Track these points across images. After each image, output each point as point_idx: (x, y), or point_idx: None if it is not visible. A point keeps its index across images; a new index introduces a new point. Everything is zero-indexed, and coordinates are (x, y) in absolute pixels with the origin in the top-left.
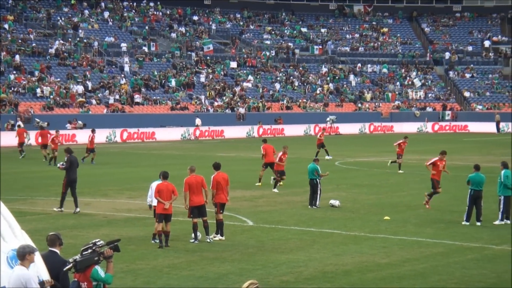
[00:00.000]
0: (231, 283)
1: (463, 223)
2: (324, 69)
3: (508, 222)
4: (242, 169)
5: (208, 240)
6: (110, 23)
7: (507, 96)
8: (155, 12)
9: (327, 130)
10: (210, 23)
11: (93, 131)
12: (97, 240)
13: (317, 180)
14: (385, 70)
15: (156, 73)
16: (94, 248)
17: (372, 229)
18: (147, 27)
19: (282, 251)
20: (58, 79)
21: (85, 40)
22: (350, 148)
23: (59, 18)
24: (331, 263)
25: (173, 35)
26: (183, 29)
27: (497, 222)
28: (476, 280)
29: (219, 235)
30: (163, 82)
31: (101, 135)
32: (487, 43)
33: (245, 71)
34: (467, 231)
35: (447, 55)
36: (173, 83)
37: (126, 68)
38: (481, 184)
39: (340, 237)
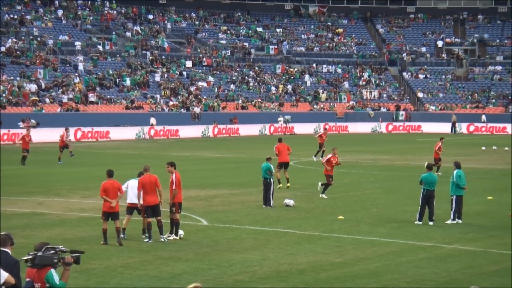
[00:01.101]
0: (185, 283)
1: (415, 222)
2: (279, 69)
3: (460, 221)
4: (197, 168)
5: (163, 240)
6: (64, 21)
7: (459, 97)
8: (109, 11)
9: (282, 129)
10: (166, 22)
11: (66, 130)
12: (61, 246)
13: (271, 179)
14: (339, 70)
15: (110, 72)
16: (57, 250)
17: (326, 229)
18: (101, 26)
19: (237, 250)
20: (11, 78)
21: (38, 39)
22: (305, 148)
23: (12, 16)
24: (285, 263)
25: (128, 34)
26: (138, 28)
27: (449, 222)
28: (428, 279)
29: (173, 234)
30: (117, 81)
31: (55, 134)
32: (440, 43)
33: (200, 71)
34: (419, 230)
35: (401, 56)
36: (128, 82)
37: (80, 67)
38: (434, 184)
39: (294, 236)
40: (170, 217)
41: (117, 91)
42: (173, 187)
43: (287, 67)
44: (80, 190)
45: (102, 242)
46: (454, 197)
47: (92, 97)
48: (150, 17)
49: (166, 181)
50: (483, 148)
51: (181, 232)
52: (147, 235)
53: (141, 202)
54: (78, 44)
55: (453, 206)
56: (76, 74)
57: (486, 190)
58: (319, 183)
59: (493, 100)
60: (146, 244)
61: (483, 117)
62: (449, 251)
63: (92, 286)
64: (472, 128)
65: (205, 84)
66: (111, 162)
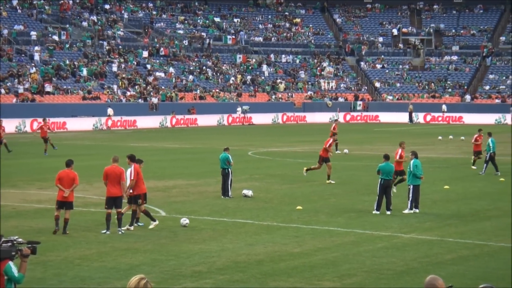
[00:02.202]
0: (143, 274)
1: (373, 212)
2: (239, 59)
3: (417, 211)
4: (155, 159)
5: (120, 232)
6: (19, 11)
7: (416, 86)
8: (66, 0)
9: (240, 120)
10: (122, 11)
11: (44, 120)
12: (17, 237)
13: (229, 169)
14: (297, 60)
15: (67, 62)
16: (14, 242)
17: (284, 219)
18: (57, 15)
19: (195, 241)
20: None
21: None
22: (263, 138)
23: None
24: (244, 253)
25: (85, 23)
26: (94, 18)
27: (406, 211)
28: (386, 268)
29: (135, 223)
30: (74, 71)
31: (11, 125)
32: (395, 31)
33: (158, 61)
34: (377, 220)
35: (358, 46)
36: (84, 72)
37: (36, 57)
38: (391, 173)
39: (252, 227)
40: (133, 209)
41: (73, 81)
42: (132, 178)
43: (245, 57)
44: (36, 181)
45: (55, 228)
46: (411, 186)
47: (48, 87)
48: (107, 6)
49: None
50: (440, 137)
51: (183, 220)
52: (141, 224)
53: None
54: (33, 34)
55: (410, 195)
56: (32, 64)
57: (442, 179)
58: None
59: (450, 90)
60: (104, 236)
61: (444, 107)
62: (406, 240)
63: (49, 278)
64: (429, 117)
65: (162, 74)
66: (68, 153)
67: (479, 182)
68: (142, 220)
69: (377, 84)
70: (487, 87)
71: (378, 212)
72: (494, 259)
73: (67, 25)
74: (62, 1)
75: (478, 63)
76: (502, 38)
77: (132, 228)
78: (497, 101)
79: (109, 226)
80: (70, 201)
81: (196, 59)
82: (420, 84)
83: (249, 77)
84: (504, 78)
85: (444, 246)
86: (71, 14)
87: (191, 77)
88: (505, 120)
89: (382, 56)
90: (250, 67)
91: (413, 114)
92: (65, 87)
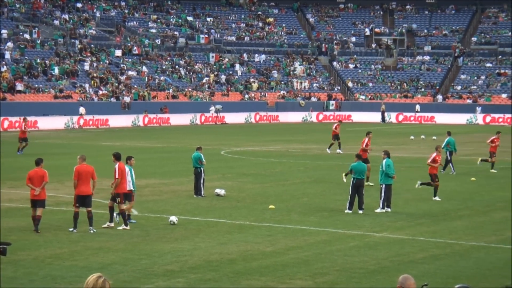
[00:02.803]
0: (115, 273)
1: (345, 211)
2: (212, 59)
3: (389, 210)
4: None
5: (91, 231)
6: None
7: (389, 86)
8: None
9: (213, 119)
10: (94, 10)
11: (24, 120)
12: None
13: (201, 168)
14: (270, 60)
15: (38, 60)
16: None
17: (257, 218)
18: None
19: (167, 240)
20: None
21: None
22: (236, 138)
23: None
24: (216, 252)
25: (56, 22)
26: (66, 16)
27: (378, 210)
28: (358, 267)
29: (123, 225)
30: (45, 70)
31: None
32: (367, 31)
33: (130, 60)
34: (349, 219)
35: (331, 46)
36: (56, 71)
37: (7, 55)
38: (363, 172)
39: (225, 226)
40: (109, 206)
41: (45, 80)
42: (116, 177)
43: (218, 57)
44: (8, 180)
45: (33, 229)
46: (383, 186)
47: (19, 86)
48: (79, 5)
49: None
50: (412, 137)
51: (173, 218)
52: (131, 221)
53: (74, 191)
54: (4, 32)
55: (382, 194)
56: (3, 62)
57: (414, 179)
58: (418, 182)
59: (422, 90)
60: (76, 235)
61: (417, 107)
62: (378, 239)
63: (19, 278)
64: (401, 117)
65: (135, 74)
66: (39, 152)
67: (450, 181)
68: (133, 217)
69: (350, 84)
70: (459, 87)
71: (350, 211)
72: (465, 258)
73: (39, 24)
74: (33, 0)
75: (450, 63)
76: (474, 39)
77: (128, 227)
78: (468, 101)
79: (77, 225)
80: (42, 199)
81: (168, 58)
82: (392, 84)
83: (223, 77)
84: (475, 78)
85: (416, 245)
86: (42, 12)
87: (163, 76)
88: (476, 120)
89: (355, 56)
90: (223, 66)
91: (386, 113)
92: (36, 85)
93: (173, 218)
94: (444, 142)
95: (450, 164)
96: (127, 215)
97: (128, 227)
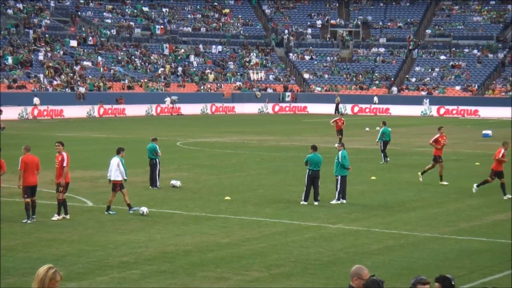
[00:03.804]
0: (69, 264)
1: (301, 202)
2: (167, 49)
3: (344, 201)
4: (82, 149)
5: (32, 220)
6: None
7: (344, 78)
8: None
9: (169, 110)
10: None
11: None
12: None
13: (157, 160)
14: (226, 51)
15: None
16: None
17: (212, 209)
18: None
19: (122, 232)
20: None
21: None
22: (192, 129)
23: None
24: (172, 244)
25: (10, 11)
26: (20, 6)
27: (333, 202)
28: (313, 258)
29: (63, 214)
30: None
31: None
32: (318, 23)
33: (85, 50)
34: (305, 210)
35: (287, 37)
36: (10, 61)
37: None
38: (319, 164)
39: (181, 217)
40: (57, 198)
41: None
42: (66, 166)
43: (173, 47)
44: None
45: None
46: (339, 177)
47: None
48: None
49: (48, 162)
50: (367, 129)
51: (144, 209)
52: (111, 212)
53: (20, 182)
54: None
55: (338, 186)
56: None
57: (369, 170)
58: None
59: (377, 82)
60: (29, 226)
61: (375, 99)
62: (334, 231)
63: None
64: (356, 109)
65: (90, 64)
66: None
67: (405, 173)
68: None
69: (306, 76)
70: (414, 79)
71: (306, 203)
72: (419, 249)
73: None
74: None
75: (405, 56)
76: (428, 31)
77: (62, 215)
78: (423, 93)
79: (29, 215)
80: None
81: (124, 49)
82: (348, 75)
83: (180, 68)
84: (429, 70)
85: (371, 236)
86: None
87: (118, 66)
88: (431, 112)
89: (311, 47)
90: (179, 57)
91: (341, 105)
92: None
93: (144, 209)
94: (379, 132)
95: (383, 154)
96: (128, 204)
97: (67, 216)
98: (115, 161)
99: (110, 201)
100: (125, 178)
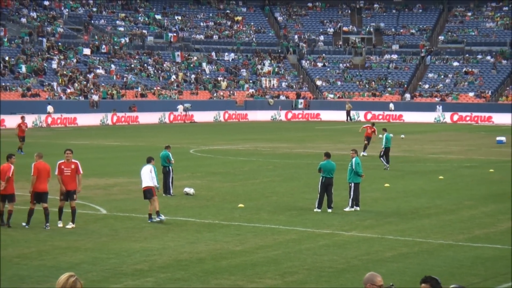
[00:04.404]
0: (83, 272)
1: (314, 210)
2: (179, 57)
3: (358, 208)
4: (95, 157)
5: (47, 228)
6: None
7: (357, 85)
8: None
9: (182, 118)
10: (62, 8)
11: (22, 118)
12: None
13: (170, 167)
14: (239, 58)
15: (6, 58)
16: None
17: (226, 217)
18: None
19: (136, 239)
20: None
21: None
22: (205, 136)
23: None
24: (186, 251)
25: (23, 20)
26: (33, 14)
27: (347, 209)
28: (327, 266)
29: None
30: (13, 68)
31: None
32: (331, 30)
33: (98, 58)
34: (318, 218)
35: (300, 44)
36: (23, 69)
37: None
38: (332, 171)
39: (194, 225)
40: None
41: (12, 78)
42: (81, 173)
43: (186, 55)
44: None
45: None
46: (352, 184)
47: None
48: (46, 3)
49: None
50: (380, 136)
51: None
52: (153, 220)
53: (32, 188)
54: None
55: (351, 193)
56: None
57: (383, 177)
58: None
59: (390, 89)
60: (44, 234)
61: (391, 105)
62: (347, 238)
63: None
64: (369, 116)
65: (103, 72)
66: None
67: (418, 180)
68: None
69: (318, 83)
70: (426, 86)
71: (319, 210)
72: (433, 256)
73: (5, 21)
74: None
75: (418, 62)
76: (441, 38)
77: (74, 225)
78: (436, 99)
79: (30, 221)
80: (10, 193)
81: (137, 57)
82: (360, 82)
83: (193, 76)
84: (442, 77)
85: (385, 243)
86: (9, 10)
87: (131, 74)
88: (444, 118)
89: (323, 54)
90: (191, 65)
91: (353, 112)
92: (3, 84)
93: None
94: (383, 139)
95: (382, 158)
96: (157, 212)
97: (74, 225)
98: (148, 168)
99: (150, 209)
100: (157, 185)
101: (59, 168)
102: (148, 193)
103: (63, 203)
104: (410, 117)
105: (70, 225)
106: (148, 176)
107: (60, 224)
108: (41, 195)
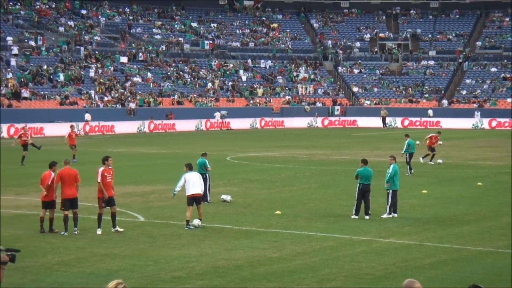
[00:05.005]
0: (122, 279)
1: (352, 216)
2: (215, 64)
3: (396, 215)
4: (133, 164)
5: (76, 232)
6: None
7: (394, 91)
8: (41, 5)
9: (218, 125)
10: (99, 17)
11: (72, 127)
12: None
13: (207, 174)
14: (275, 65)
15: (44, 67)
16: None
17: (263, 224)
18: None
19: (174, 246)
20: None
21: None
22: (242, 143)
23: None
24: (223, 258)
25: (61, 28)
26: (71, 23)
27: (384, 216)
28: (365, 273)
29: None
30: (51, 76)
31: None
32: (367, 36)
33: (135, 66)
34: (356, 224)
35: (336, 50)
36: (61, 77)
37: (13, 62)
38: (369, 178)
39: (231, 232)
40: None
41: (50, 86)
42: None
43: (222, 62)
44: (14, 187)
45: (41, 230)
46: (390, 191)
47: (25, 93)
48: (83, 12)
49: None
50: (417, 142)
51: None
52: (191, 227)
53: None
54: (9, 39)
55: (389, 200)
56: (9, 69)
57: (420, 184)
58: None
59: (427, 95)
60: (83, 241)
61: (430, 112)
62: (385, 245)
63: (27, 284)
64: (406, 122)
65: (140, 80)
66: (45, 159)
67: (456, 186)
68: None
69: (355, 89)
70: (464, 92)
71: (356, 217)
72: (472, 264)
73: (44, 30)
74: (38, 7)
75: (455, 68)
76: (478, 43)
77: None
78: (474, 105)
79: (67, 227)
80: (50, 200)
81: (173, 64)
82: (397, 89)
83: (230, 83)
84: (480, 83)
85: (423, 250)
86: (47, 19)
87: (168, 82)
88: (482, 125)
89: (359, 61)
90: (227, 72)
91: (390, 118)
92: (42, 92)
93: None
94: (404, 145)
95: (408, 166)
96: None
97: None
98: (197, 175)
99: (188, 216)
100: (201, 193)
101: (102, 175)
102: (198, 200)
103: (103, 210)
104: (447, 123)
105: (121, 229)
106: (198, 183)
107: (99, 232)
108: (70, 201)
